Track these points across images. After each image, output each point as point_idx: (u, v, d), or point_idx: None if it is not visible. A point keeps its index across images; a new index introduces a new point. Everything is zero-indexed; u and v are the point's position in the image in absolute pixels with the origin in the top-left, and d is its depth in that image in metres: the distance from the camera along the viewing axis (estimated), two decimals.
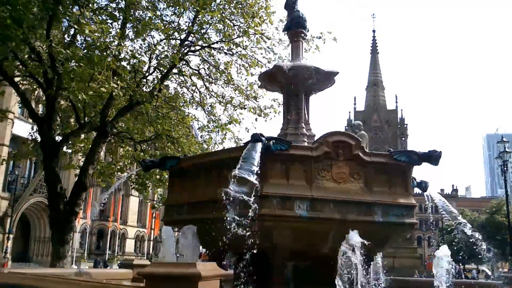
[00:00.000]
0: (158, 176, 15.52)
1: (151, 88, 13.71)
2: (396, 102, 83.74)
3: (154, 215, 62.83)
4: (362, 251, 3.88)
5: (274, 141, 4.01)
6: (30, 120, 47.11)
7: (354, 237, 3.90)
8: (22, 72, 13.59)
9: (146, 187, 16.86)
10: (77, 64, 10.50)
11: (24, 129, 43.52)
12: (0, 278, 3.46)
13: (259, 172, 3.61)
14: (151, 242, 67.69)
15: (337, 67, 6.62)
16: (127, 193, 61.33)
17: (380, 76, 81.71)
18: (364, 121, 54.98)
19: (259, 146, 3.84)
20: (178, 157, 4.79)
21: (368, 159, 4.62)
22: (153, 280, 2.10)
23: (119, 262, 53.36)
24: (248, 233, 3.46)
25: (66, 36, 13.61)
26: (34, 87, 16.11)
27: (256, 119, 15.68)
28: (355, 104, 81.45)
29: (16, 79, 13.13)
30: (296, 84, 5.60)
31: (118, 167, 18.84)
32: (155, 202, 27.60)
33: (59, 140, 12.97)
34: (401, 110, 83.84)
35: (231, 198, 3.42)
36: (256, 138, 3.96)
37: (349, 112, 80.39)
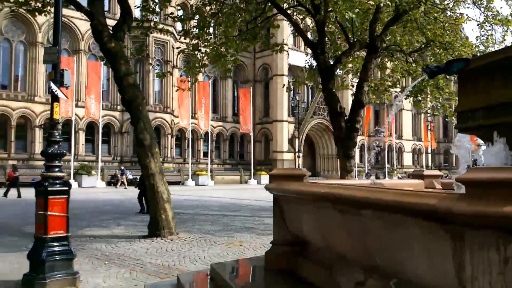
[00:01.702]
0: (433, 83, 14.80)
1: None
2: None
3: (429, 128, 61.16)
4: None
5: None
6: (302, 49, 50.66)
7: None
8: (289, 3, 14.51)
9: (421, 98, 16.33)
10: None
11: (297, 58, 47.47)
12: (311, 188, 3.82)
13: None
14: (429, 155, 66.55)
15: None
16: (399, 107, 61.10)
17: None
18: None
19: None
20: (466, 58, 4.32)
21: None
22: (474, 186, 1.96)
23: (398, 174, 54.56)
24: None
25: None
26: (301, 17, 17.09)
27: None
28: None
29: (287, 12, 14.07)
30: None
31: (390, 83, 18.75)
32: (429, 115, 26.55)
33: (332, 63, 13.55)
34: None
35: None
36: None
37: None
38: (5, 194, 21.94)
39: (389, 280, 2.92)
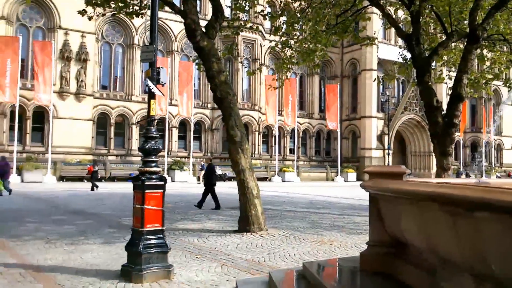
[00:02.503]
0: None
1: None
2: None
3: None
4: None
5: None
6: (392, 42, 48.85)
7: None
8: None
9: None
10: None
11: (387, 52, 45.87)
12: (414, 187, 3.60)
13: None
14: None
15: None
16: (498, 102, 56.95)
17: None
18: None
19: None
20: None
21: None
22: None
23: (497, 173, 50.80)
24: None
25: None
26: (393, 9, 16.35)
27: None
28: None
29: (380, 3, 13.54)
30: None
31: (491, 75, 17.40)
32: None
33: (427, 54, 12.82)
34: None
35: None
36: None
37: None
38: (92, 188, 23.29)
39: None
